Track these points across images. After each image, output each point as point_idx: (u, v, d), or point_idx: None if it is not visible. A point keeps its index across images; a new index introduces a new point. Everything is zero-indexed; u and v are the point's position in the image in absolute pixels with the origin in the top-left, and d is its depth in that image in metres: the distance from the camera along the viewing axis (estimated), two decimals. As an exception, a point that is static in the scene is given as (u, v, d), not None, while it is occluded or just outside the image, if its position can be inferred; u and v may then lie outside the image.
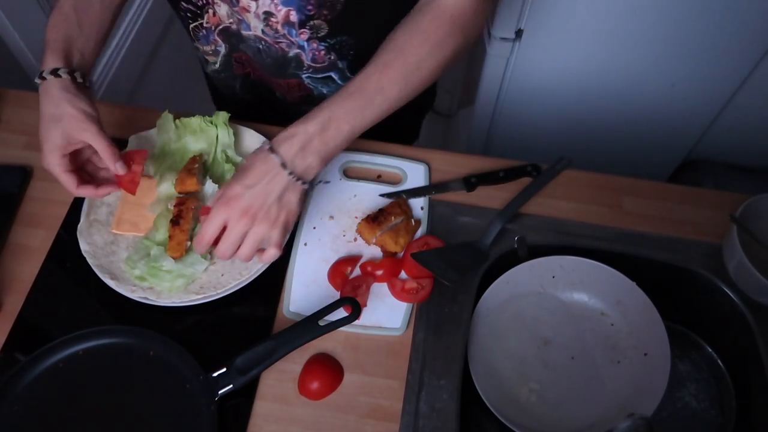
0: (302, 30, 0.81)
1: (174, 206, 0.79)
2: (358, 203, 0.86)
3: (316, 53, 0.85)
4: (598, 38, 1.26)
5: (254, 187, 0.67)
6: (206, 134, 0.87)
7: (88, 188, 0.74)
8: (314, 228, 0.84)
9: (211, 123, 0.87)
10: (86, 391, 0.71)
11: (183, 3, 0.85)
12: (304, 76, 0.90)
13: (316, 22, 0.79)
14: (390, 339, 0.76)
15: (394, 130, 0.93)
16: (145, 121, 0.91)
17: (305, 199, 0.73)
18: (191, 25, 0.89)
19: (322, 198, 0.86)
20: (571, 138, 1.51)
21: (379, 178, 0.89)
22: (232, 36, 0.88)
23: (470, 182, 0.87)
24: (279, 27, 0.81)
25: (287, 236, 0.72)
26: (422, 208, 0.85)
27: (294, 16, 0.79)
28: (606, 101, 1.40)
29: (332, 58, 0.86)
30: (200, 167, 0.83)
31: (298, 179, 0.69)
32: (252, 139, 0.88)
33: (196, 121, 0.87)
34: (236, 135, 0.87)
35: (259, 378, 0.72)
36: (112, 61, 1.46)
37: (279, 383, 0.73)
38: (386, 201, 0.85)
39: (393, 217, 0.81)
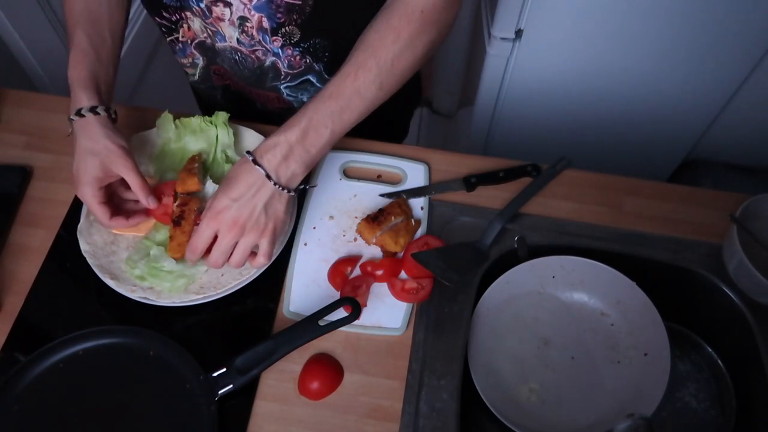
0: (275, 37, 0.81)
1: (176, 206, 0.79)
2: (358, 203, 0.86)
3: (292, 59, 0.86)
4: (598, 38, 1.26)
5: (241, 199, 0.69)
6: (206, 134, 0.87)
7: (119, 219, 0.76)
8: (314, 228, 0.84)
9: (211, 123, 0.87)
10: (86, 391, 0.71)
11: (157, 18, 0.86)
12: (282, 87, 0.91)
13: (287, 28, 0.80)
14: (390, 339, 0.76)
15: (382, 127, 0.93)
16: (145, 121, 0.91)
17: (293, 204, 0.75)
18: (168, 39, 0.90)
19: (322, 198, 0.86)
20: (571, 138, 1.51)
21: (379, 178, 0.89)
22: (208, 50, 0.89)
23: (470, 182, 0.87)
24: (254, 33, 0.82)
25: (277, 243, 0.74)
26: (422, 208, 0.85)
27: (266, 23, 0.80)
28: (606, 101, 1.40)
29: (308, 61, 0.86)
30: (200, 167, 0.83)
31: (283, 188, 0.70)
32: (252, 139, 0.88)
33: (196, 121, 0.87)
34: (236, 135, 0.87)
35: (259, 378, 0.72)
36: (112, 61, 1.46)
37: (279, 383, 0.73)
38: (386, 201, 0.86)
39: (393, 217, 0.81)
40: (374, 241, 0.81)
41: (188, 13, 0.83)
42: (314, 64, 0.87)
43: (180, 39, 0.89)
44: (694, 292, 0.83)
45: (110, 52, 0.80)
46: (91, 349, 0.73)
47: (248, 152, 0.70)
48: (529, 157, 0.90)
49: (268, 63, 0.87)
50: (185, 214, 0.78)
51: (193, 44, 0.89)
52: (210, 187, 0.83)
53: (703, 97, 1.37)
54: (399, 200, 0.84)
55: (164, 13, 0.85)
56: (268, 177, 0.69)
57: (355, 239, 0.83)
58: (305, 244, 0.82)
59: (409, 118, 1.18)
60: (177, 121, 0.87)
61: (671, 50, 1.26)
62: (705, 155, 1.56)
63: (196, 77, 0.97)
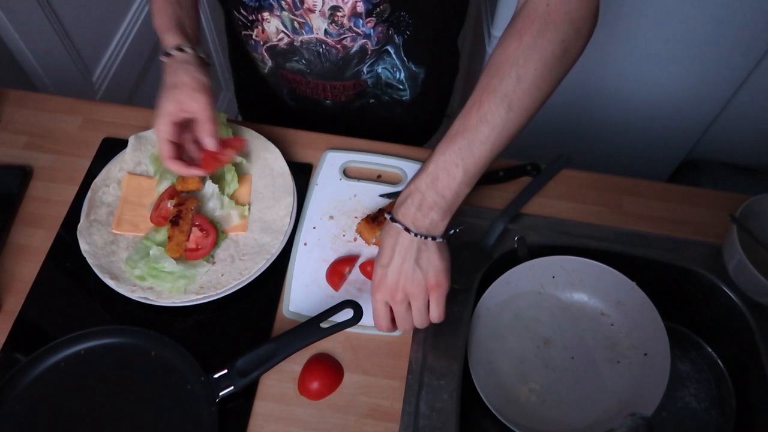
0: (369, 19, 0.81)
1: (174, 206, 0.79)
2: (358, 203, 0.86)
3: (380, 36, 0.85)
4: (598, 38, 1.26)
5: (391, 265, 0.65)
6: (206, 134, 0.87)
7: (179, 163, 0.76)
8: (314, 228, 0.84)
9: (211, 123, 0.87)
10: (87, 390, 0.71)
11: (236, 12, 0.87)
12: (364, 68, 0.90)
13: (381, 7, 0.80)
14: (390, 339, 0.76)
15: (410, 136, 0.94)
16: (145, 121, 0.91)
17: (447, 251, 0.67)
18: (243, 33, 0.91)
19: (322, 198, 0.86)
20: (571, 138, 1.52)
21: (379, 178, 0.89)
22: (278, 54, 0.89)
23: (470, 182, 0.87)
24: (345, 21, 0.81)
25: (445, 294, 0.68)
26: (422, 208, 0.85)
27: (361, 7, 0.79)
28: (606, 101, 1.40)
29: (390, 33, 0.85)
30: (200, 167, 0.83)
31: (426, 237, 0.64)
32: (252, 139, 0.88)
33: (196, 121, 0.87)
34: (236, 135, 0.87)
35: (259, 378, 0.72)
36: (112, 61, 1.46)
37: (279, 383, 0.73)
38: (386, 201, 0.85)
39: (393, 217, 0.81)
40: (374, 241, 0.81)
41: (266, 14, 0.83)
42: (395, 35, 0.86)
43: (253, 37, 0.89)
44: (694, 292, 0.83)
45: None
46: (92, 349, 0.73)
47: (388, 212, 0.67)
48: (528, 158, 0.90)
49: (355, 49, 0.86)
50: (183, 214, 0.78)
51: (265, 46, 0.89)
52: (209, 187, 0.83)
53: (703, 97, 1.37)
54: (399, 200, 0.84)
55: (242, 10, 0.85)
56: (408, 230, 0.64)
57: (355, 239, 0.83)
58: (305, 244, 0.82)
59: (438, 126, 1.15)
60: (177, 121, 0.87)
61: (671, 50, 1.26)
62: (705, 155, 1.56)
63: (266, 71, 0.96)
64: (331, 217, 0.85)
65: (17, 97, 0.97)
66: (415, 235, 0.64)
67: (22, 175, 0.88)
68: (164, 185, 0.84)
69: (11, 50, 1.23)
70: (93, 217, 0.81)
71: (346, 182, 0.88)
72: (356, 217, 0.85)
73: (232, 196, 0.84)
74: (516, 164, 0.89)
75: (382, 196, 0.86)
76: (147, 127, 0.88)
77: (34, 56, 1.26)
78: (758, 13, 1.16)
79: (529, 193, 0.86)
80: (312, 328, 0.71)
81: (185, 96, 0.73)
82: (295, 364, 0.73)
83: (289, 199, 0.83)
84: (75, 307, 0.78)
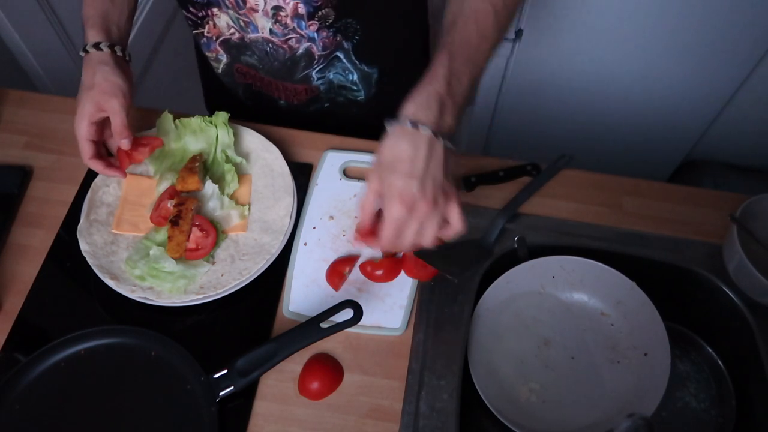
0: (311, 22, 0.81)
1: (174, 206, 0.79)
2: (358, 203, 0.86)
3: (326, 40, 0.85)
4: (598, 38, 1.26)
5: (421, 174, 0.60)
6: (206, 134, 0.87)
7: (98, 163, 0.78)
8: (314, 228, 0.84)
9: (211, 123, 0.87)
10: (87, 390, 0.71)
11: (184, 11, 0.87)
12: (314, 73, 0.90)
13: (324, 11, 0.80)
14: (390, 339, 0.76)
15: (376, 134, 0.93)
16: (145, 121, 0.91)
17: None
18: (194, 32, 0.90)
19: (322, 198, 0.86)
20: (570, 138, 1.52)
21: (379, 178, 0.89)
22: (232, 47, 0.89)
23: (470, 182, 0.87)
24: (288, 21, 0.81)
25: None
26: (422, 208, 0.85)
27: (302, 8, 0.79)
28: (605, 101, 1.40)
29: (338, 39, 0.86)
30: (200, 167, 0.83)
31: (448, 145, 0.63)
32: (252, 139, 0.88)
33: (196, 121, 0.87)
34: (236, 135, 0.87)
35: (259, 378, 0.72)
36: (112, 61, 1.46)
37: (279, 383, 0.73)
38: (386, 201, 0.85)
39: (393, 217, 0.81)
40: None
41: (215, 10, 0.83)
42: (344, 42, 0.86)
43: (205, 34, 0.89)
44: (694, 292, 0.83)
45: None
46: (92, 349, 0.73)
47: (394, 120, 0.62)
48: (528, 157, 0.90)
49: (301, 50, 0.86)
50: (183, 214, 0.78)
51: (218, 41, 0.89)
52: (209, 187, 0.83)
53: (703, 97, 1.37)
54: (399, 200, 0.84)
55: (191, 8, 0.85)
56: (436, 135, 0.61)
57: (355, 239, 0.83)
58: (305, 244, 0.82)
59: None
60: (177, 121, 0.87)
61: (671, 50, 1.26)
62: (705, 155, 1.56)
63: (220, 71, 0.96)
64: (331, 217, 0.85)
65: (17, 97, 0.97)
66: (442, 139, 0.61)
67: (22, 175, 0.88)
68: (164, 185, 0.84)
69: (11, 50, 1.23)
70: (93, 217, 0.81)
71: (346, 182, 0.88)
72: (356, 217, 0.85)
73: (232, 196, 0.84)
74: (516, 164, 0.89)
75: (382, 196, 0.86)
76: (147, 127, 0.88)
77: (34, 56, 1.26)
78: (758, 13, 1.16)
79: (531, 190, 0.86)
80: (312, 328, 0.71)
81: (100, 97, 0.74)
82: (295, 364, 0.73)
83: (289, 199, 0.83)
84: (75, 307, 0.78)
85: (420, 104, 0.62)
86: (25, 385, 0.70)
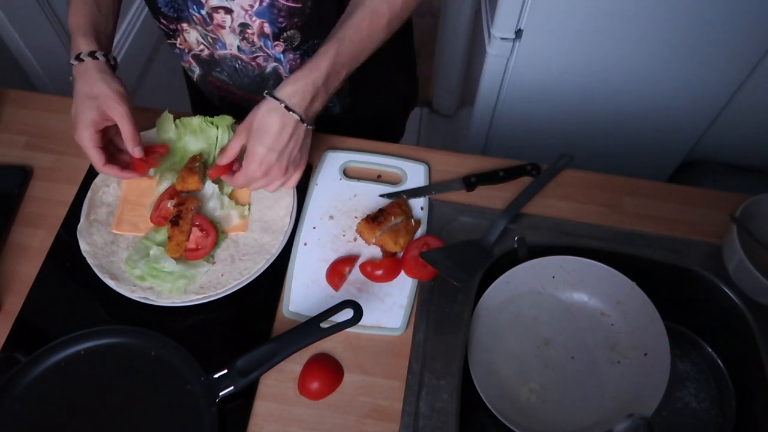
0: (276, 42, 0.82)
1: (174, 206, 0.79)
2: (358, 203, 0.86)
3: (293, 63, 0.86)
4: (598, 38, 1.26)
5: (280, 147, 0.73)
6: (206, 134, 0.87)
7: (113, 168, 0.77)
8: (314, 228, 0.84)
9: (212, 123, 0.87)
10: (87, 390, 0.71)
11: (157, 22, 0.87)
12: None
13: (289, 32, 0.81)
14: (390, 339, 0.76)
15: (379, 128, 0.93)
16: (145, 121, 0.91)
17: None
18: (168, 42, 0.91)
19: (322, 198, 0.86)
20: (570, 138, 1.51)
21: (379, 178, 0.89)
22: (203, 62, 0.90)
23: (470, 182, 0.87)
24: (255, 39, 0.82)
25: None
26: (422, 208, 0.85)
27: (268, 28, 0.80)
28: (606, 101, 1.40)
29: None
30: (200, 167, 0.83)
31: (308, 125, 0.75)
32: (252, 139, 0.88)
33: (196, 121, 0.87)
34: (236, 135, 0.87)
35: (259, 378, 0.72)
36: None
37: (279, 383, 0.73)
38: (386, 201, 0.85)
39: (393, 217, 0.81)
40: (374, 241, 0.81)
41: (184, 25, 0.84)
42: None
43: (178, 46, 0.90)
44: (694, 292, 0.83)
45: (110, 4, 0.82)
46: (92, 349, 0.73)
47: (272, 95, 0.72)
48: (529, 158, 0.90)
49: (269, 69, 0.87)
50: (183, 214, 0.78)
51: (190, 54, 0.90)
52: (209, 187, 0.83)
53: (703, 97, 1.37)
54: (399, 200, 0.84)
55: (162, 20, 0.85)
56: (302, 120, 0.73)
57: (355, 239, 0.83)
58: (305, 244, 0.82)
59: (405, 118, 1.18)
60: (177, 121, 0.87)
61: (671, 50, 1.26)
62: (705, 155, 1.56)
63: (195, 80, 0.98)
64: (331, 217, 0.85)
65: (17, 97, 0.97)
66: (307, 125, 0.74)
67: (22, 175, 0.88)
68: (164, 185, 0.84)
69: (11, 50, 1.24)
70: (93, 217, 0.81)
71: (346, 182, 0.88)
72: (356, 217, 0.85)
73: (232, 196, 0.84)
74: (516, 164, 0.89)
75: (382, 196, 0.86)
76: (147, 127, 0.88)
77: (34, 56, 1.26)
78: (758, 13, 1.16)
79: (530, 192, 0.86)
80: (312, 328, 0.71)
81: (106, 106, 0.74)
82: (295, 364, 0.73)
83: (289, 199, 0.83)
84: (75, 307, 0.78)
85: (296, 91, 0.72)
86: (25, 385, 0.70)
